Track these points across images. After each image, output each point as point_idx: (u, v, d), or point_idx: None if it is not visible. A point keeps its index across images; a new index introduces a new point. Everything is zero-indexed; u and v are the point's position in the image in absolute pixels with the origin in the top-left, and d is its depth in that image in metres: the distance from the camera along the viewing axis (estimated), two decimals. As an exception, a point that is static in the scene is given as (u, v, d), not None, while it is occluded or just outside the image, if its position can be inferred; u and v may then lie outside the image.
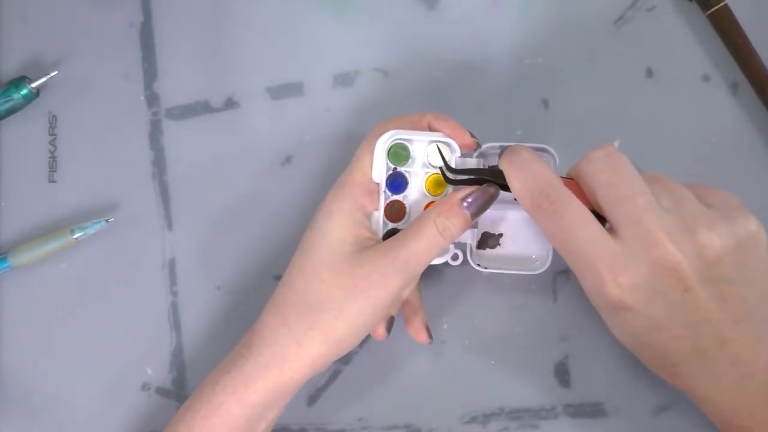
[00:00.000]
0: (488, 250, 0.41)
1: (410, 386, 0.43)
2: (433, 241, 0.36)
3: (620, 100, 0.45)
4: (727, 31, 0.43)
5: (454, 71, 0.45)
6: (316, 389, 0.43)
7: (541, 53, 0.45)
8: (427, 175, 0.40)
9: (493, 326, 0.43)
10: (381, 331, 0.40)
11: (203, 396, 0.37)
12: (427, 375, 0.43)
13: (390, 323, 0.40)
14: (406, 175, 0.40)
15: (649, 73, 0.45)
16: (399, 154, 0.39)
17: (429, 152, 0.40)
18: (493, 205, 0.39)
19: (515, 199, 0.38)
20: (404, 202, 0.40)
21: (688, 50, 0.45)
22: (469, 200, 0.37)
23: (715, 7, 0.43)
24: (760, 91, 0.43)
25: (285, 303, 0.37)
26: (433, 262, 0.39)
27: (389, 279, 0.36)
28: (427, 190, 0.40)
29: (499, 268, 0.40)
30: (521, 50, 0.45)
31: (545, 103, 0.45)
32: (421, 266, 0.36)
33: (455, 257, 0.40)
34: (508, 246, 0.41)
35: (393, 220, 0.39)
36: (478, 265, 0.40)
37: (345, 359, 0.43)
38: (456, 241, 0.38)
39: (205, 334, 0.44)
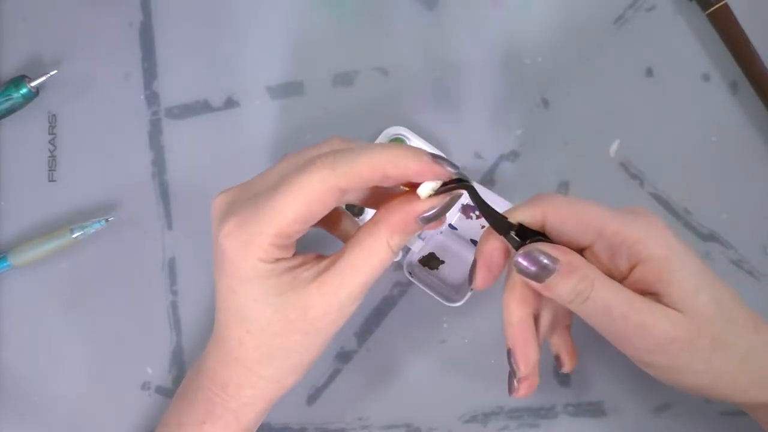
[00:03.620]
0: (426, 268, 0.43)
1: (410, 386, 0.43)
2: (385, 263, 0.33)
3: (620, 100, 0.45)
4: (727, 30, 0.43)
5: (454, 71, 0.45)
6: (316, 389, 0.43)
7: (541, 53, 0.45)
8: None
9: (493, 325, 0.43)
10: None
11: None
12: (427, 374, 0.43)
13: None
14: None
15: (649, 72, 0.45)
16: None
17: None
18: (455, 240, 0.43)
19: (471, 241, 0.42)
20: None
21: (688, 50, 0.45)
22: (429, 214, 0.32)
23: (715, 7, 0.43)
24: (760, 90, 0.43)
25: (244, 358, 0.34)
26: None
27: (347, 310, 0.33)
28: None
29: (425, 286, 0.42)
30: (521, 50, 0.45)
31: (545, 103, 0.45)
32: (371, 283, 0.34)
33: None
34: (442, 273, 0.43)
35: None
36: (410, 273, 0.42)
37: (345, 358, 0.43)
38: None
39: (205, 333, 0.44)
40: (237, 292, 0.33)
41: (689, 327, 0.32)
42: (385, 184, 0.32)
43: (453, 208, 0.43)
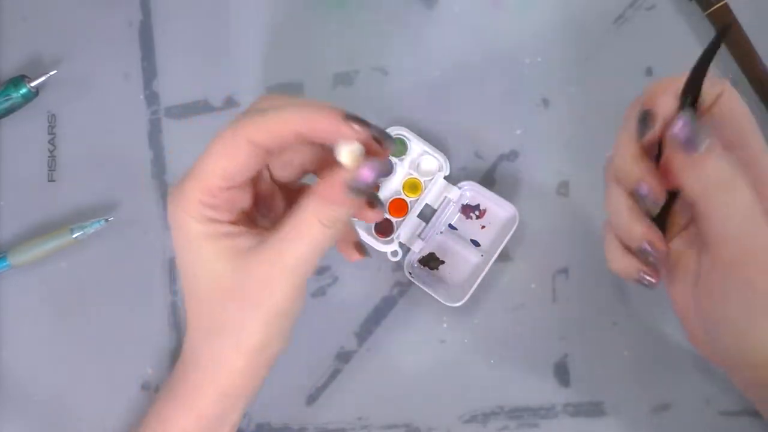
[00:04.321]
0: (426, 268, 0.44)
1: (410, 386, 0.43)
2: (319, 239, 0.31)
3: (620, 100, 0.44)
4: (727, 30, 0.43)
5: (454, 71, 0.45)
6: (316, 389, 0.43)
7: (541, 53, 0.45)
8: (408, 177, 0.44)
9: (493, 325, 0.43)
10: (354, 254, 0.36)
11: (159, 415, 0.35)
12: (427, 374, 0.43)
13: (358, 246, 0.37)
14: (395, 165, 0.44)
15: (649, 72, 0.45)
16: (397, 146, 0.44)
17: (420, 161, 0.44)
18: (455, 240, 0.43)
19: (471, 241, 0.42)
20: (379, 185, 0.44)
21: (687, 49, 0.45)
22: (357, 182, 0.30)
23: (715, 7, 0.43)
24: (760, 90, 0.43)
25: (195, 327, 0.34)
26: (377, 248, 0.43)
27: (278, 286, 0.32)
28: (403, 189, 0.44)
29: (425, 286, 0.42)
30: (521, 50, 0.45)
31: (545, 103, 0.45)
32: (314, 262, 0.32)
33: (395, 254, 0.43)
34: (442, 273, 0.44)
35: None
36: (410, 273, 0.43)
37: (345, 358, 0.43)
38: (403, 243, 0.43)
39: (205, 333, 0.44)
40: (181, 254, 0.33)
41: None
42: (306, 141, 0.31)
43: (454, 208, 0.43)
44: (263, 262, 0.31)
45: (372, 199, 0.34)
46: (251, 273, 0.31)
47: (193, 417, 0.34)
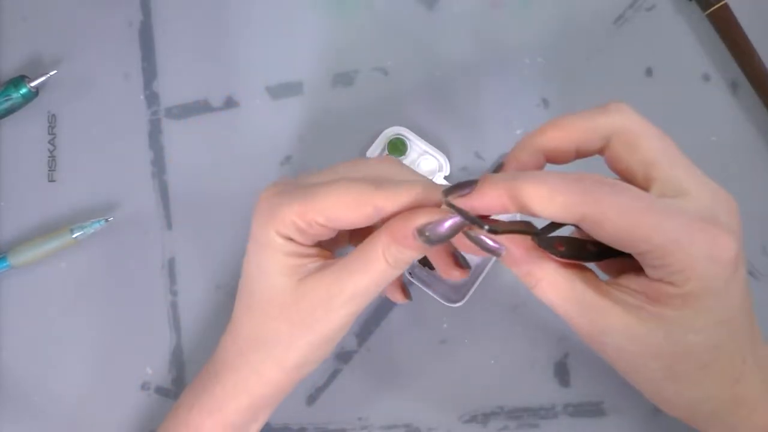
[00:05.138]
0: (426, 268, 0.43)
1: (410, 386, 0.43)
2: (382, 275, 0.32)
3: (620, 100, 0.45)
4: (727, 30, 0.43)
5: (454, 71, 0.45)
6: (316, 389, 0.43)
7: (541, 53, 0.45)
8: None
9: (493, 325, 0.43)
10: (399, 297, 0.38)
11: (180, 419, 0.36)
12: (427, 374, 0.43)
13: (403, 288, 0.38)
14: None
15: (649, 72, 0.45)
16: (397, 146, 0.43)
17: (420, 161, 0.44)
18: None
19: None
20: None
21: (687, 50, 0.45)
22: (428, 233, 0.30)
23: (715, 7, 0.43)
24: (760, 90, 0.43)
25: (239, 335, 0.35)
26: None
27: (334, 313, 0.32)
28: None
29: (425, 287, 0.42)
30: (521, 50, 0.45)
31: (545, 103, 0.45)
32: (371, 296, 0.33)
33: None
34: None
35: None
36: (410, 273, 0.42)
37: (345, 358, 0.43)
38: None
39: (205, 333, 0.44)
40: (250, 258, 0.34)
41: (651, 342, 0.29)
42: None
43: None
44: (323, 287, 0.32)
45: (459, 260, 0.34)
46: (309, 295, 0.32)
47: (219, 422, 0.35)
